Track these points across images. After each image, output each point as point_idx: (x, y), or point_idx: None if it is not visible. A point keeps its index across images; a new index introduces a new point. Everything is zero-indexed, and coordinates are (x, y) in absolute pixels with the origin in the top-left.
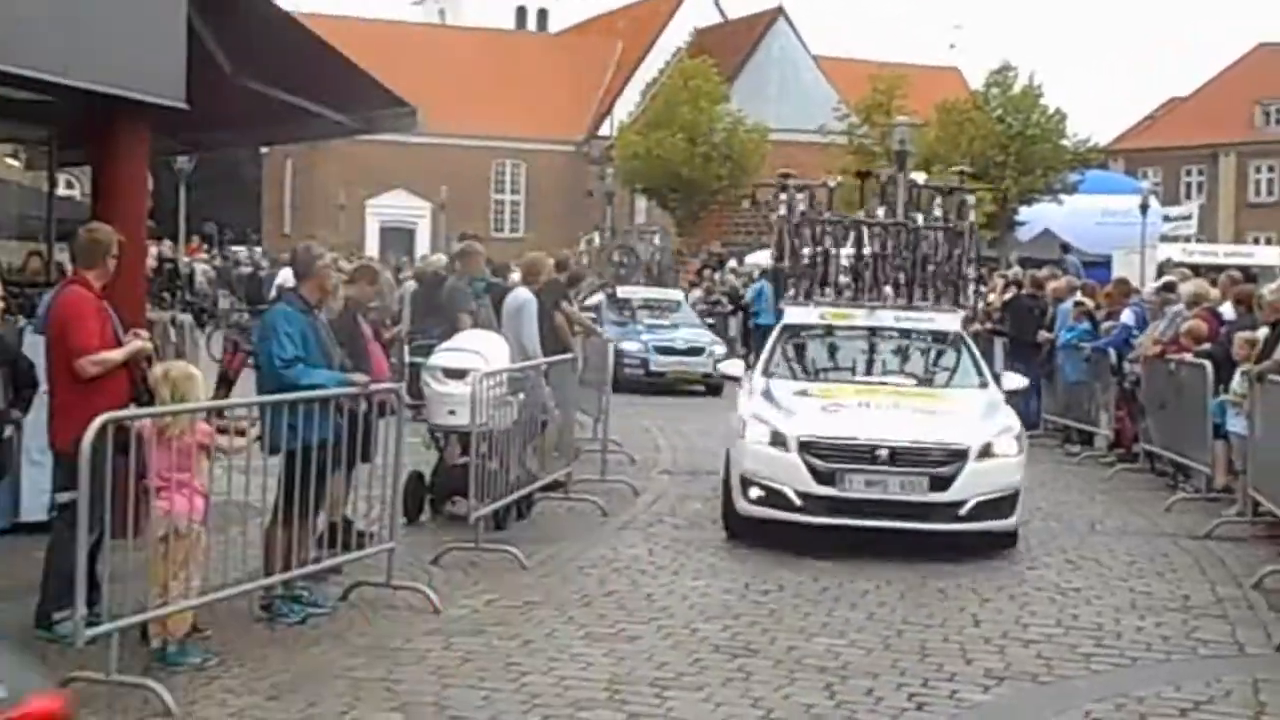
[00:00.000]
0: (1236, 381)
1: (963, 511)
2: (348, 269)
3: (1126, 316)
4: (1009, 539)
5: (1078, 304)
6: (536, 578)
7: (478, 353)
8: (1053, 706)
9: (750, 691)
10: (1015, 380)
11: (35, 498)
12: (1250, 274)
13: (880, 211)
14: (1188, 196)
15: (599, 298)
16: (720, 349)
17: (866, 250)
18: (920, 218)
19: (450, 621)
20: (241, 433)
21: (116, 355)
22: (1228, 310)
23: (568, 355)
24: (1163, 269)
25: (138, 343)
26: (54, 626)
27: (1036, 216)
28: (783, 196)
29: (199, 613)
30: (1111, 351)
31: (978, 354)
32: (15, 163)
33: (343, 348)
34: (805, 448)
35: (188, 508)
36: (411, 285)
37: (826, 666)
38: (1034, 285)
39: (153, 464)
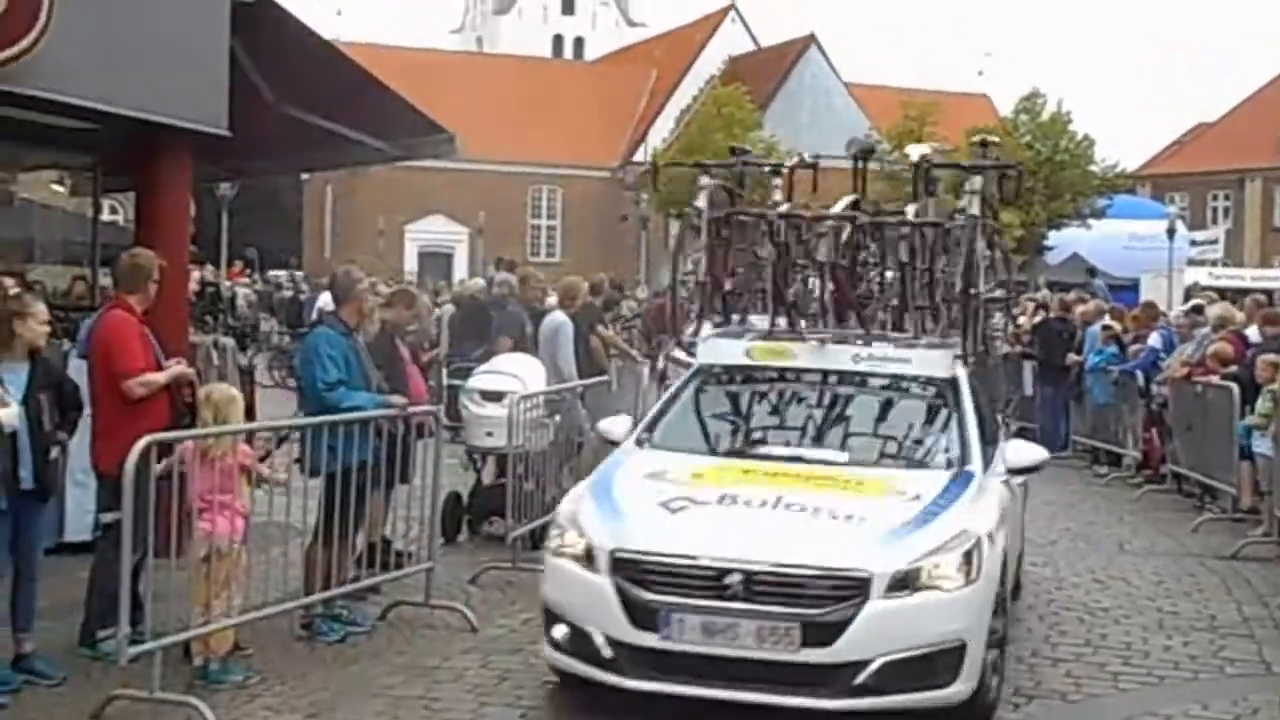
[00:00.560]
0: (1260, 403)
1: (860, 678)
2: (385, 293)
3: (1154, 339)
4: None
5: (1105, 327)
6: None
7: (515, 375)
8: None
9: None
10: (1026, 454)
11: (79, 518)
12: (1272, 297)
13: (841, 205)
14: (1214, 221)
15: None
16: None
17: (822, 256)
18: (911, 210)
19: (488, 640)
20: (264, 456)
21: (160, 377)
22: (1253, 333)
23: (603, 377)
24: (1190, 293)
25: (180, 366)
26: (98, 645)
27: (1065, 241)
28: (704, 181)
29: (241, 631)
30: (1139, 374)
31: (969, 413)
32: (60, 189)
33: (380, 370)
34: (620, 568)
35: (229, 528)
36: (450, 309)
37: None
38: (1062, 308)
39: (195, 485)
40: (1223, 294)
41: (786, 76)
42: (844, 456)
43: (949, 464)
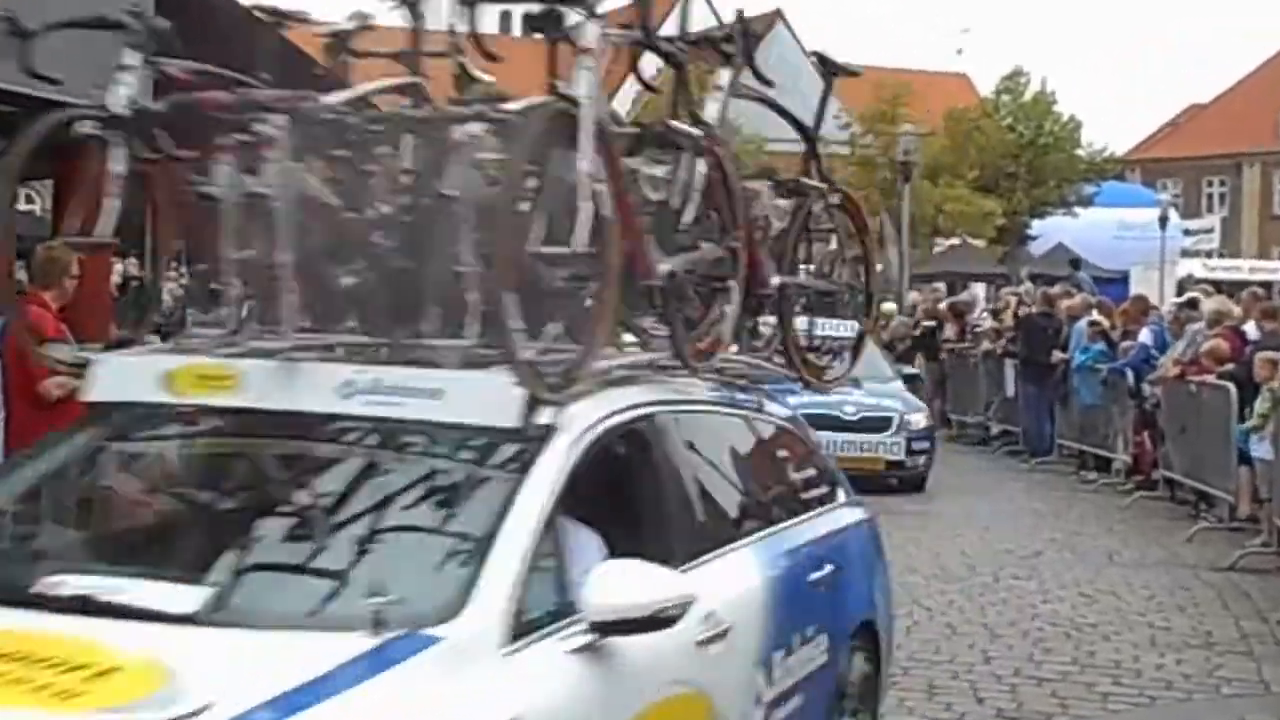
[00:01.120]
0: (1259, 403)
1: None
2: None
3: (1145, 336)
4: None
5: (1093, 323)
6: None
7: None
8: None
9: None
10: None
11: None
12: (1271, 290)
13: None
14: (1209, 209)
15: None
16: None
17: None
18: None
19: None
20: None
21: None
22: (1251, 329)
23: None
24: (1183, 285)
25: None
26: None
27: (1049, 230)
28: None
29: None
30: (1129, 373)
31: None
32: None
33: None
34: None
35: None
36: None
37: None
38: (1046, 303)
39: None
40: (1219, 286)
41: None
42: (194, 604)
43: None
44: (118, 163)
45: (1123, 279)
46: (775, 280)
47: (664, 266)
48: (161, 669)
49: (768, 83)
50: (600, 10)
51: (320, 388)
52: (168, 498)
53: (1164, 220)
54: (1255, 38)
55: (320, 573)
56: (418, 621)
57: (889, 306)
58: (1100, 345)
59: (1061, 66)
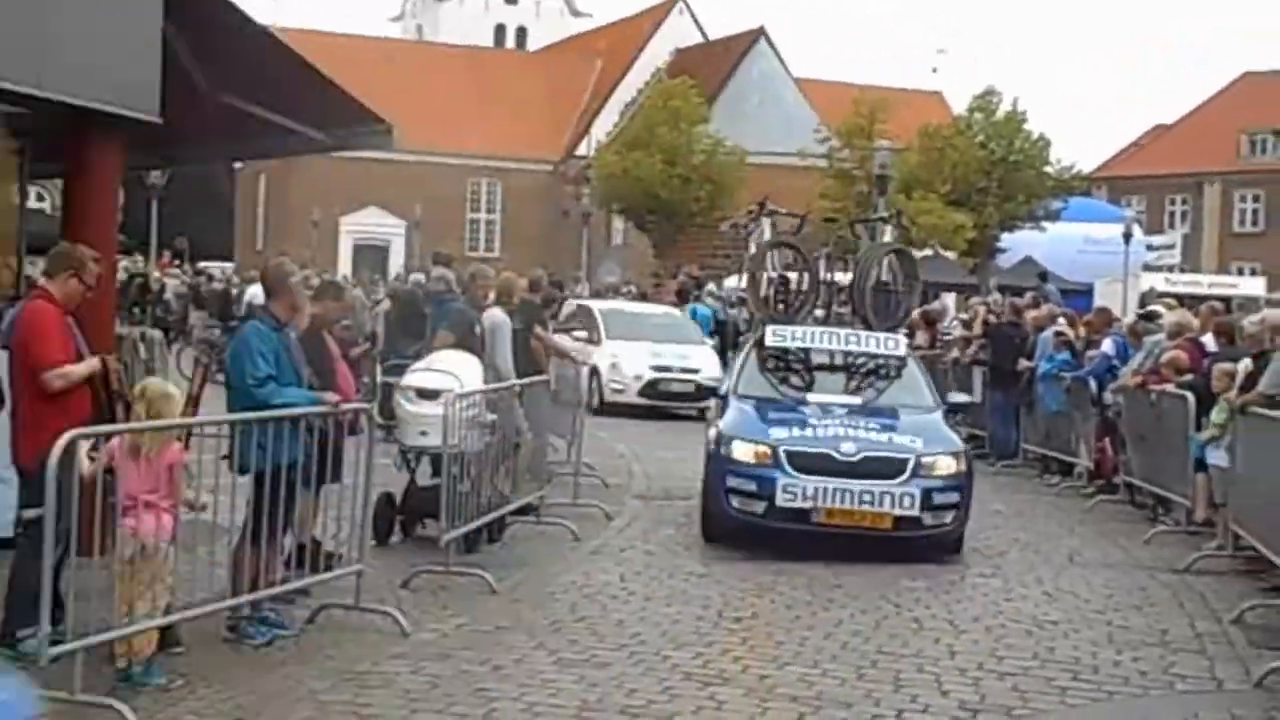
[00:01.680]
0: (1215, 414)
1: None
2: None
3: (1107, 346)
4: None
5: (1058, 333)
6: (507, 602)
7: (451, 373)
8: None
9: None
10: None
11: (1, 514)
12: (1230, 305)
13: None
14: (1172, 225)
15: None
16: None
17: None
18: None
19: (419, 645)
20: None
21: (79, 369)
22: (1210, 341)
23: (541, 377)
24: (1145, 299)
25: (96, 360)
26: (18, 645)
27: (1018, 243)
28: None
29: (179, 627)
30: (1092, 381)
31: None
32: None
33: (309, 366)
34: None
35: (155, 527)
36: (386, 305)
37: (799, 696)
38: (1014, 313)
39: (122, 483)
40: (1181, 300)
41: (734, 70)
42: None
43: None
44: None
45: (1087, 291)
46: None
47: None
48: None
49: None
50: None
51: None
52: None
53: (1128, 236)
54: (1216, 61)
55: None
56: None
57: None
58: (1065, 354)
59: (1033, 85)
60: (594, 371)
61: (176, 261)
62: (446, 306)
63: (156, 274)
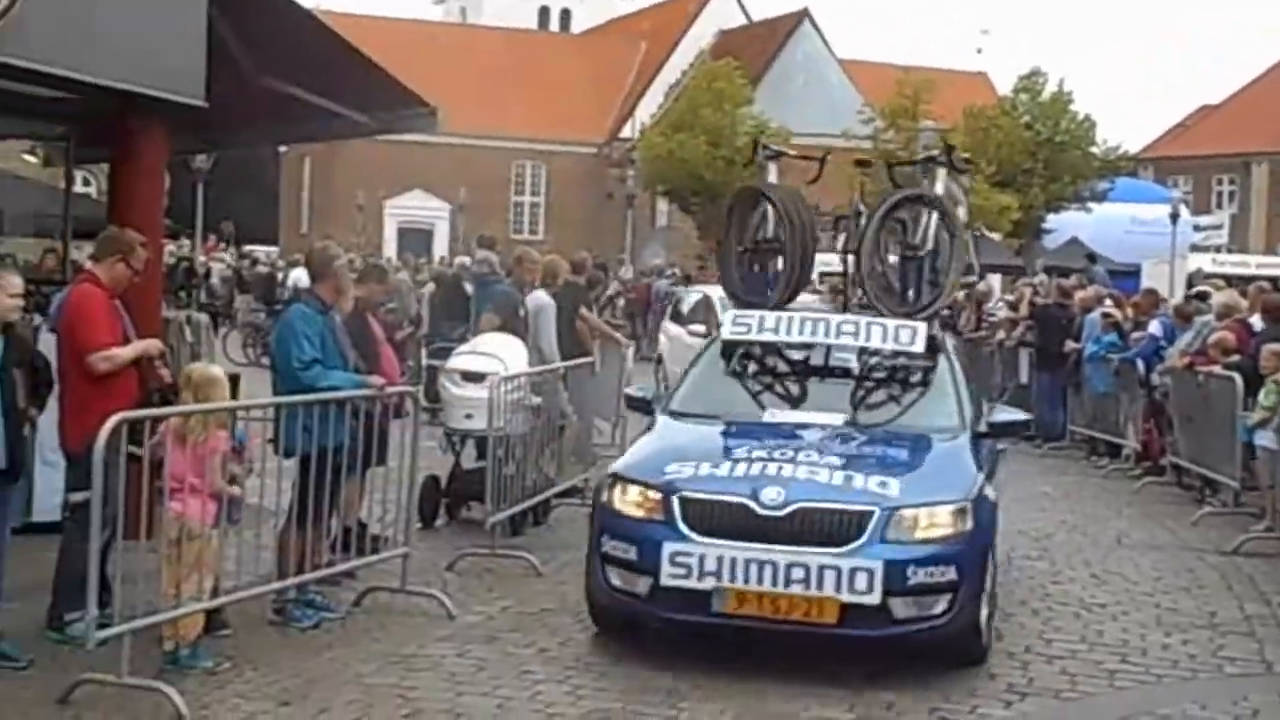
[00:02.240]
0: (1263, 395)
1: None
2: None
3: (1155, 327)
4: None
5: (1106, 314)
6: (552, 584)
7: (495, 356)
8: None
9: (769, 704)
10: None
11: (48, 498)
12: (1278, 285)
13: None
14: (1219, 206)
15: None
16: None
17: None
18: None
19: (464, 628)
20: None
21: (125, 353)
22: (1258, 322)
23: (586, 359)
24: (1192, 279)
25: (145, 341)
26: (65, 628)
27: (1064, 224)
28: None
29: (226, 610)
30: (1139, 363)
31: None
32: (33, 159)
33: (354, 349)
34: None
35: (200, 511)
36: (430, 287)
37: (848, 680)
38: (1061, 294)
39: (168, 466)
40: (1228, 280)
41: (779, 51)
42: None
43: None
44: None
45: (1134, 272)
46: None
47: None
48: None
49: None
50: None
51: None
52: None
53: (1175, 216)
54: (1270, 34)
55: None
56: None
57: None
58: (1112, 336)
59: (1078, 66)
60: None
61: (222, 245)
62: (490, 289)
63: (202, 258)
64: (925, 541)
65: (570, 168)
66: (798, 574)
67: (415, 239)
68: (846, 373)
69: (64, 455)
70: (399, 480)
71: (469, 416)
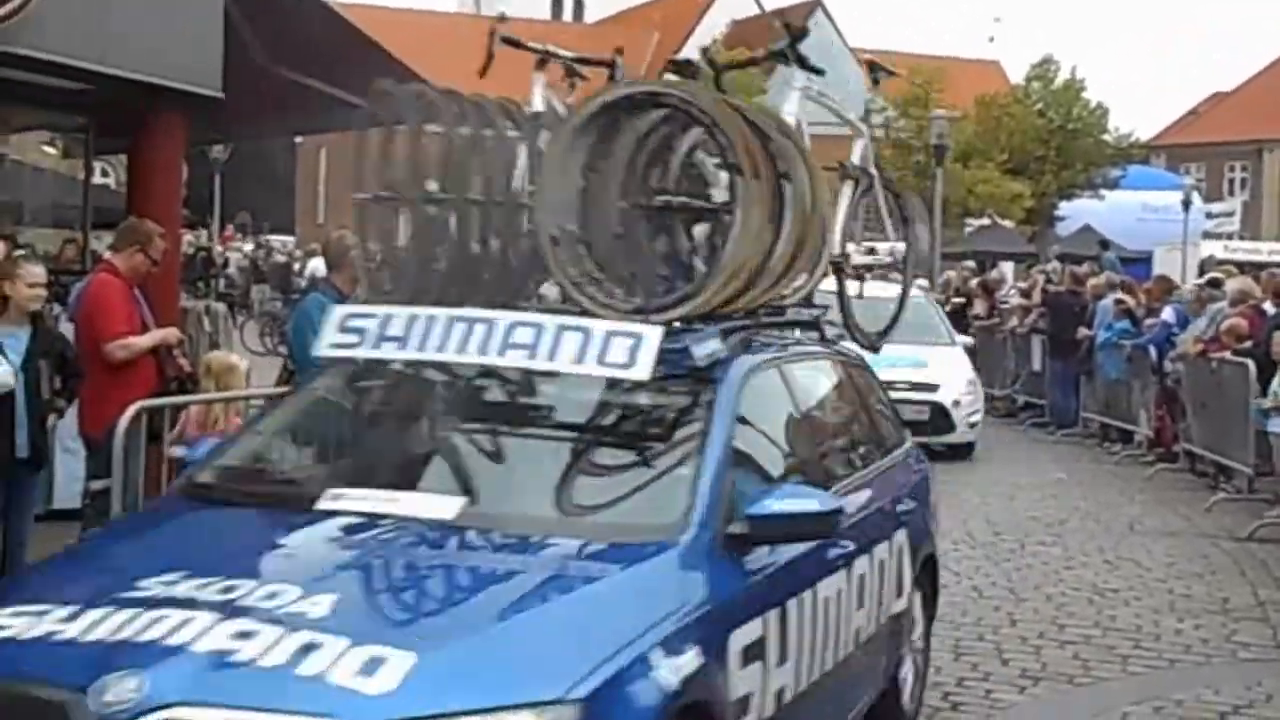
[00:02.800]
0: (1276, 382)
1: None
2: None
3: (1167, 314)
4: None
5: (1118, 301)
6: None
7: None
8: (1089, 708)
9: None
10: None
11: (69, 485)
12: None
13: None
14: (1231, 193)
15: None
16: None
17: None
18: None
19: None
20: None
21: (143, 341)
22: (1271, 308)
23: None
24: (1204, 266)
25: (163, 330)
26: None
27: (1077, 212)
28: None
29: None
30: (1152, 349)
31: None
32: (52, 150)
33: None
34: None
35: None
36: None
37: None
38: (1074, 281)
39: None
40: (1240, 267)
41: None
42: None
43: None
44: None
45: (1146, 259)
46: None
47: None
48: None
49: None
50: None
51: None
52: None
53: (1187, 203)
54: (1275, 28)
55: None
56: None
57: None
58: (1125, 323)
59: (1090, 54)
60: None
61: (239, 235)
62: None
63: (219, 248)
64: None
65: None
66: None
67: None
68: (541, 416)
69: (84, 443)
70: None
71: None
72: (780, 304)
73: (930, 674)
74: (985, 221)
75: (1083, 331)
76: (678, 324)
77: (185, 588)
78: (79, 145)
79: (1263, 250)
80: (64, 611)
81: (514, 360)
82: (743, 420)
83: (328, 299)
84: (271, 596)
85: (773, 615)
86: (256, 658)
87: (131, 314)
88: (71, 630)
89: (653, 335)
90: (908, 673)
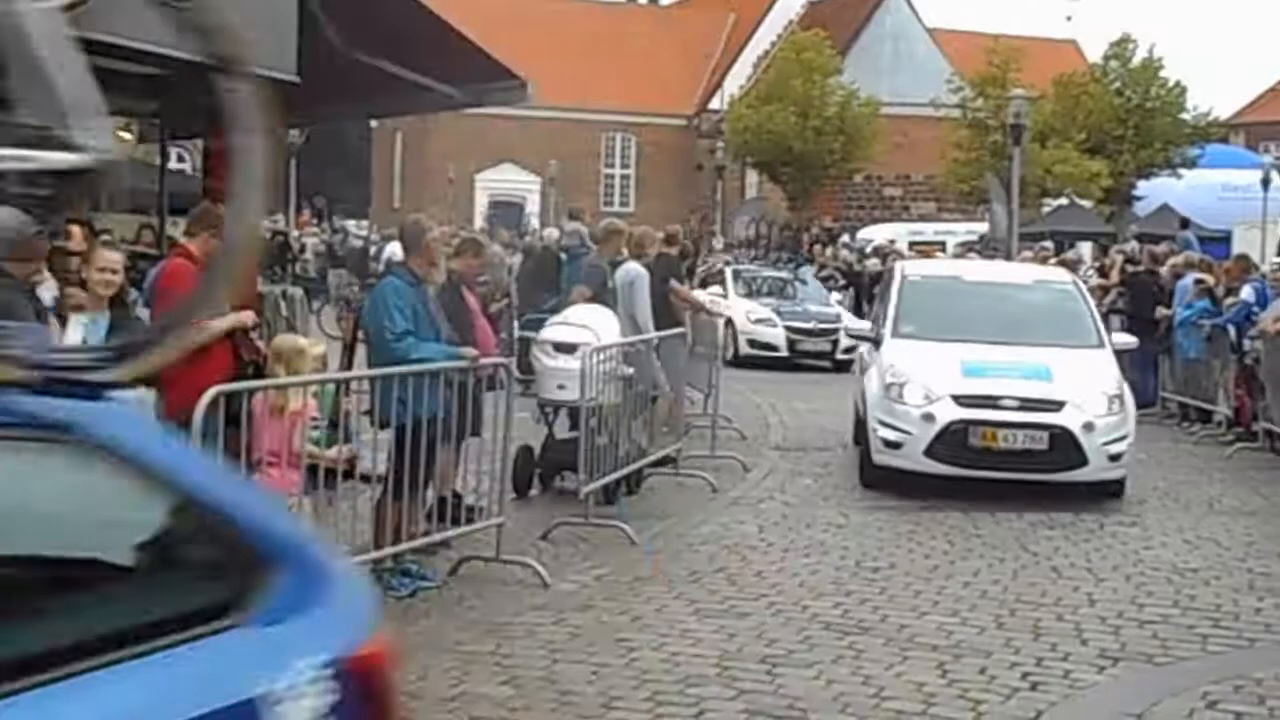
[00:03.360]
0: None
1: None
2: (454, 242)
3: (1247, 293)
4: None
5: (1198, 281)
6: (646, 553)
7: (588, 327)
8: (1169, 688)
9: (861, 669)
10: None
11: None
12: None
13: None
14: None
15: None
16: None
17: None
18: None
19: (560, 597)
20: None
21: (217, 325)
22: None
23: (679, 330)
24: None
25: (237, 313)
26: None
27: (1155, 191)
28: None
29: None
30: (1231, 328)
31: None
32: (128, 136)
33: (449, 321)
34: None
35: (283, 481)
36: (518, 259)
37: (939, 645)
38: (1152, 261)
39: (259, 438)
40: None
41: (867, 21)
42: None
43: None
44: None
45: (1225, 238)
46: None
47: None
48: None
49: None
50: None
51: None
52: None
53: (1266, 182)
54: None
55: None
56: None
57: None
58: (1204, 302)
59: (1168, 32)
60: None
61: (315, 220)
62: (579, 261)
63: (295, 232)
64: None
65: (659, 140)
66: None
67: (506, 212)
68: None
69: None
70: (493, 451)
71: (562, 387)
72: None
73: (1008, 655)
74: (1063, 201)
75: (1161, 311)
76: None
77: None
78: (154, 130)
79: None
80: None
81: None
82: None
83: (403, 283)
84: None
85: None
86: None
87: None
88: None
89: None
90: None
